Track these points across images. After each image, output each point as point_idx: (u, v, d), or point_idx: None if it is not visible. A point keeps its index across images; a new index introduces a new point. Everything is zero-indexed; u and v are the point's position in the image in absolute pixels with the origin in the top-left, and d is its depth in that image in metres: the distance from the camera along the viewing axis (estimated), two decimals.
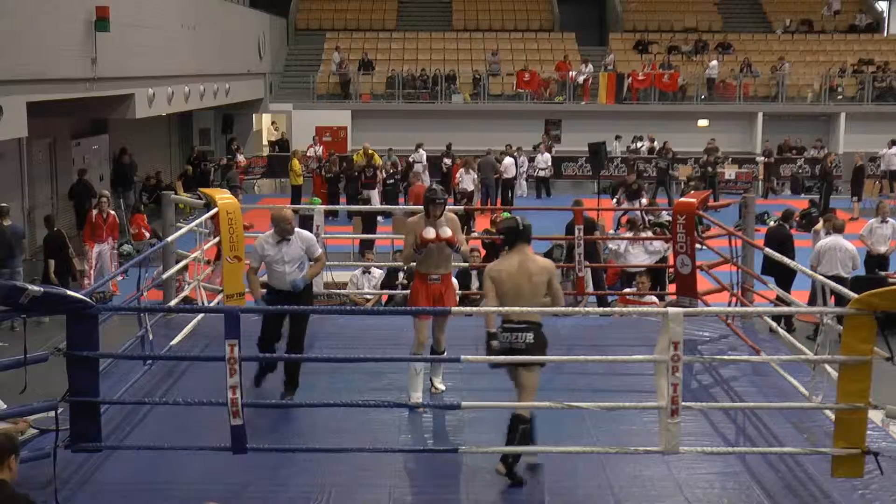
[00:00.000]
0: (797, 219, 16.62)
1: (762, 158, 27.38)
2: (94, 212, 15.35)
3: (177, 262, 9.48)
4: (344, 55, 31.60)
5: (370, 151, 23.42)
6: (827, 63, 31.93)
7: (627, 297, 11.66)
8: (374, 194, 21.66)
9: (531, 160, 26.64)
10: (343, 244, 16.15)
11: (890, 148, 25.34)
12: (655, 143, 27.68)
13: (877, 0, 36.61)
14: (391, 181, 22.71)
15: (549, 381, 7.85)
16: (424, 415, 7.19)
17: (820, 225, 14.09)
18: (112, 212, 15.51)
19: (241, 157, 26.88)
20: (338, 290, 11.58)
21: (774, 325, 8.78)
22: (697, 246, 9.62)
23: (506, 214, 15.60)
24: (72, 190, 19.36)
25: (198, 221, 9.91)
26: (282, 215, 7.64)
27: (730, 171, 26.62)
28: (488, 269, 6.47)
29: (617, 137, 28.08)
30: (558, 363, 7.98)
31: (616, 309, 10.66)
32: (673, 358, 5.74)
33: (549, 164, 26.52)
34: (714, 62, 31.21)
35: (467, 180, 22.68)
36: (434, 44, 33.79)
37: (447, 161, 25.34)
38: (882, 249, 14.07)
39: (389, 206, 20.46)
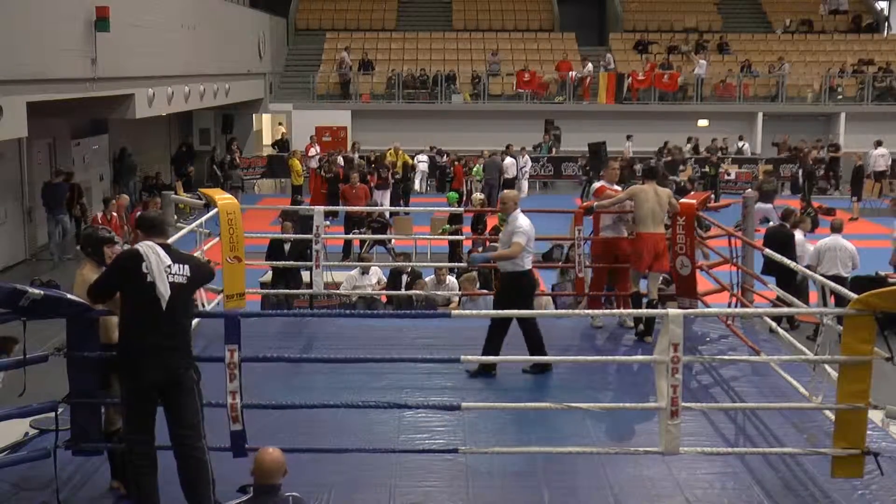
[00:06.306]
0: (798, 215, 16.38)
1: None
2: (99, 214, 16.36)
3: None
4: (345, 55, 31.59)
5: (398, 152, 23.58)
6: (827, 63, 31.93)
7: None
8: (385, 196, 21.61)
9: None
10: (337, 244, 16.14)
11: (875, 149, 25.38)
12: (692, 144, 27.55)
13: (877, 0, 36.62)
14: (392, 182, 22.71)
15: (549, 381, 7.90)
16: (424, 415, 7.19)
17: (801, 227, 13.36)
18: (115, 214, 15.82)
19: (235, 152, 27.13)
20: (338, 291, 11.56)
21: (774, 325, 8.78)
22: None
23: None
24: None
25: (198, 222, 9.91)
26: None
27: (730, 171, 26.60)
28: None
29: (628, 137, 27.95)
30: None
31: (616, 311, 10.64)
32: (673, 359, 5.73)
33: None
34: (703, 61, 31.14)
35: None
36: (434, 44, 33.79)
37: (443, 160, 25.33)
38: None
39: (394, 208, 20.52)
